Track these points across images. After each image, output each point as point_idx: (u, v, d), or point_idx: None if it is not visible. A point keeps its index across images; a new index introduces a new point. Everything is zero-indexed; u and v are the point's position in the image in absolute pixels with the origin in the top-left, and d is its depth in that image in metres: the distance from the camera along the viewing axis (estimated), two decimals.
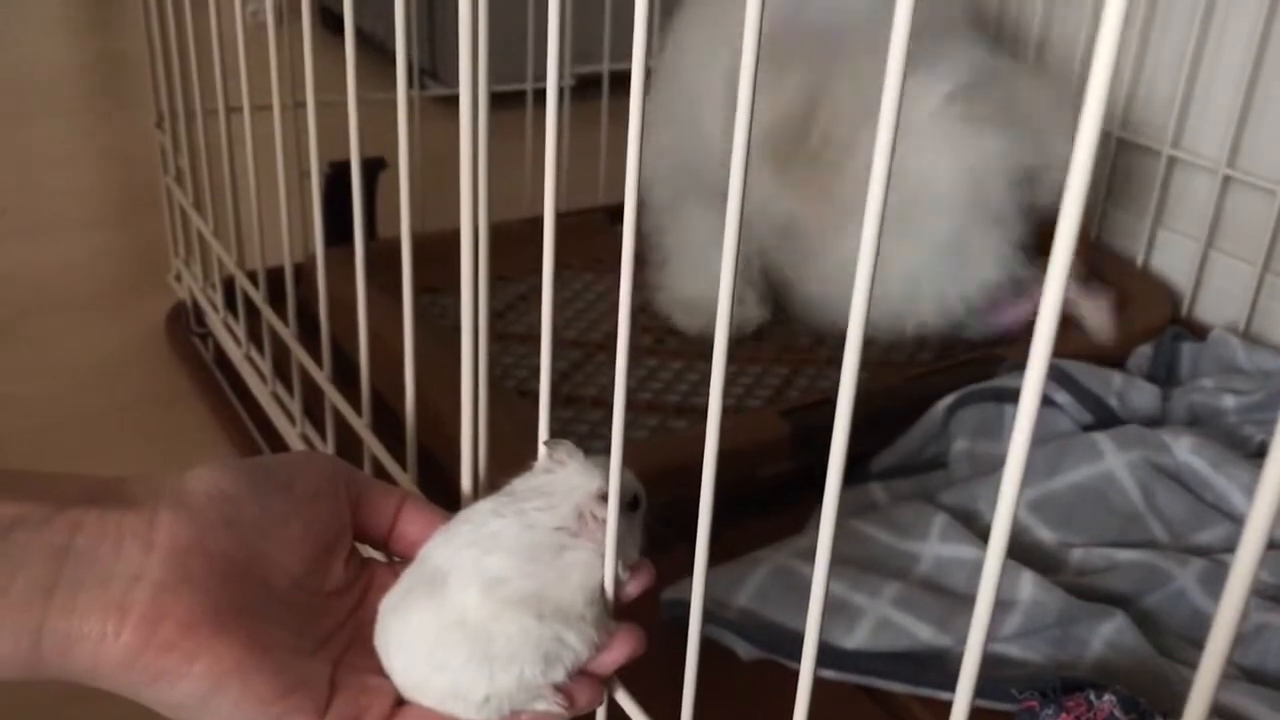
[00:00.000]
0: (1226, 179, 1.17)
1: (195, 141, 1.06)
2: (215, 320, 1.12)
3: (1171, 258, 1.24)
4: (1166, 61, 1.22)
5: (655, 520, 0.51)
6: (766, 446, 0.90)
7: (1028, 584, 0.76)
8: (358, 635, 0.49)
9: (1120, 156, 1.28)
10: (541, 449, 0.51)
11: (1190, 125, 1.21)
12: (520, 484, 0.50)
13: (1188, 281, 1.21)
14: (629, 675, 0.51)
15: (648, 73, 0.40)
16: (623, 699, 0.51)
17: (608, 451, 0.46)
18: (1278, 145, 1.14)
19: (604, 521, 0.47)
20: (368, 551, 0.53)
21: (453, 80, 1.75)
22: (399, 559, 0.53)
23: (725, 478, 0.42)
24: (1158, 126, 1.23)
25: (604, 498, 0.47)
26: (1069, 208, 0.26)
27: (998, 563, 0.31)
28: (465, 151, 0.52)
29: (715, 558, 0.44)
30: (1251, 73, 1.13)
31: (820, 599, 0.38)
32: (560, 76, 0.45)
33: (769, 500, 0.89)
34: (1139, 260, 1.26)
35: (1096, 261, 1.19)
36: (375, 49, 1.95)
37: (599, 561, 0.48)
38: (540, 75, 1.35)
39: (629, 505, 0.48)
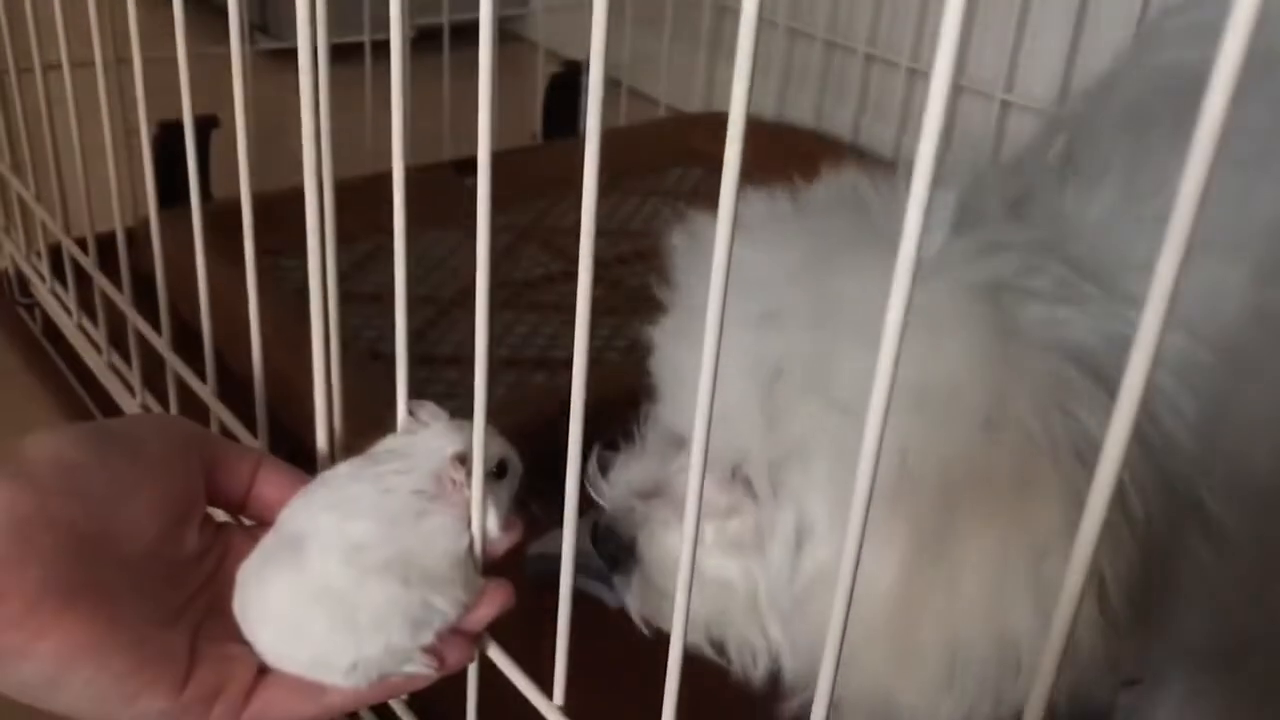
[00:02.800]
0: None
1: (10, 101, 1.00)
2: (42, 290, 1.06)
3: None
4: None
5: (524, 492, 0.51)
6: (630, 396, 0.90)
7: None
8: (216, 603, 0.48)
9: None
10: (402, 410, 0.50)
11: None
12: (380, 446, 0.49)
13: None
14: (499, 629, 0.51)
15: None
16: (495, 654, 0.51)
17: (465, 411, 0.46)
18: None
19: (463, 485, 0.47)
20: (221, 516, 0.52)
21: (284, 34, 1.70)
22: (255, 523, 0.51)
23: (590, 430, 0.42)
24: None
25: (462, 460, 0.47)
26: (921, 165, 0.26)
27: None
28: (306, 107, 0.50)
29: (581, 510, 0.44)
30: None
31: (691, 542, 0.38)
32: (402, 27, 0.44)
33: None
34: None
35: None
36: (201, 2, 1.87)
37: (461, 526, 0.47)
38: (378, 26, 1.32)
39: (494, 472, 0.48)
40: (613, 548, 0.54)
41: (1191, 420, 0.45)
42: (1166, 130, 0.56)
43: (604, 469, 0.55)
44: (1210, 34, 0.23)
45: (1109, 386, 0.44)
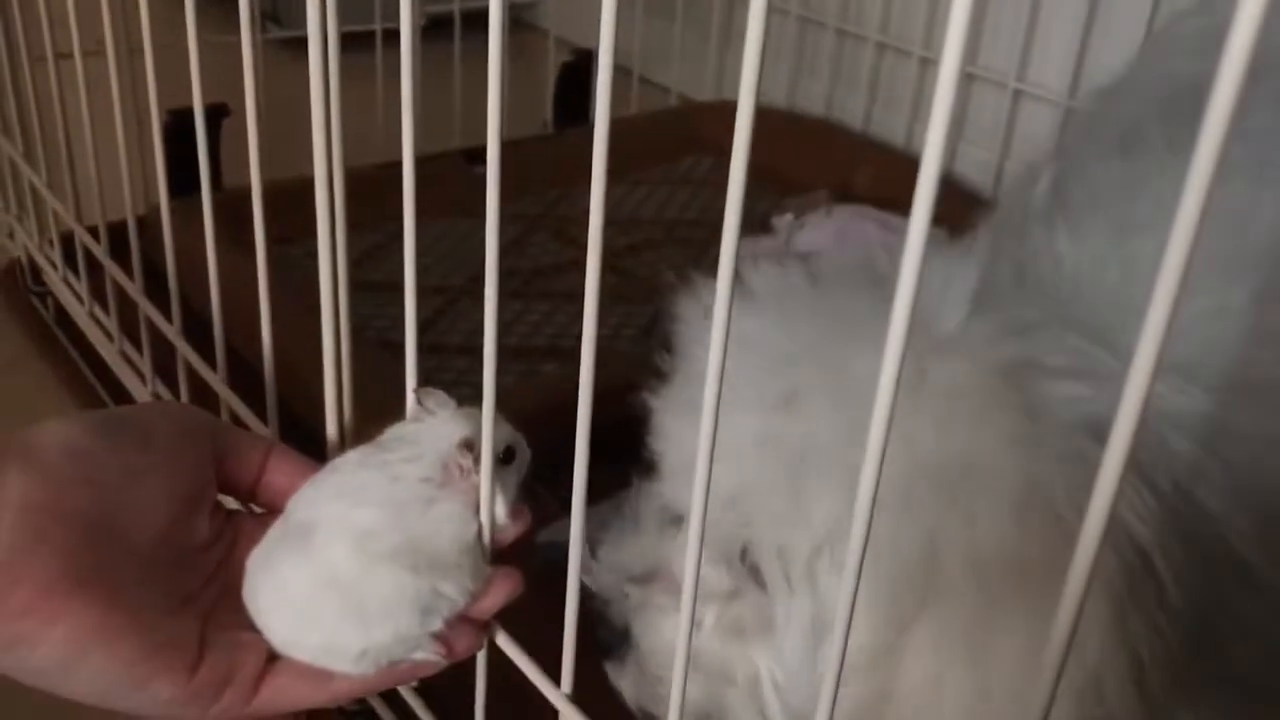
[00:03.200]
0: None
1: (23, 90, 1.00)
2: (54, 278, 1.07)
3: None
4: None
5: (531, 479, 0.50)
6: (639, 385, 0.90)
7: None
8: (226, 590, 0.48)
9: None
10: (410, 398, 0.50)
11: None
12: (387, 434, 0.49)
13: None
14: (508, 618, 0.51)
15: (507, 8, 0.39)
16: (504, 642, 0.51)
17: (474, 399, 0.46)
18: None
19: (470, 471, 0.47)
20: (232, 503, 0.52)
21: (294, 23, 1.70)
22: (266, 510, 0.51)
23: (598, 419, 0.42)
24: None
25: (469, 447, 0.47)
26: (931, 150, 0.26)
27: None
28: (316, 95, 0.50)
29: (589, 499, 0.44)
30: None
31: (698, 533, 0.38)
32: (413, 16, 0.44)
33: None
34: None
35: None
36: None
37: (469, 513, 0.47)
38: (389, 15, 1.31)
39: (502, 458, 0.48)
40: (606, 634, 0.51)
41: (1219, 484, 0.44)
42: (1159, 155, 0.54)
43: (594, 548, 0.52)
44: (1218, 41, 0.21)
45: (1133, 466, 0.43)
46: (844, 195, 1.29)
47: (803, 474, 0.45)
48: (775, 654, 0.47)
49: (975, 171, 1.33)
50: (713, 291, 0.51)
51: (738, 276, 0.49)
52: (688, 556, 0.37)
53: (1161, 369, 0.24)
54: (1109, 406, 0.44)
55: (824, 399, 0.45)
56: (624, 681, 0.51)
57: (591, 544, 0.49)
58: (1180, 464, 0.44)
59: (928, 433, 0.42)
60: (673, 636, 0.48)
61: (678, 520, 0.51)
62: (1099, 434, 0.43)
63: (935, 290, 0.46)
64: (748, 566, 0.48)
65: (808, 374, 0.45)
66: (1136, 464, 0.43)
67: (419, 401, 0.50)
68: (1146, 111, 0.62)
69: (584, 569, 0.50)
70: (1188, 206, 0.22)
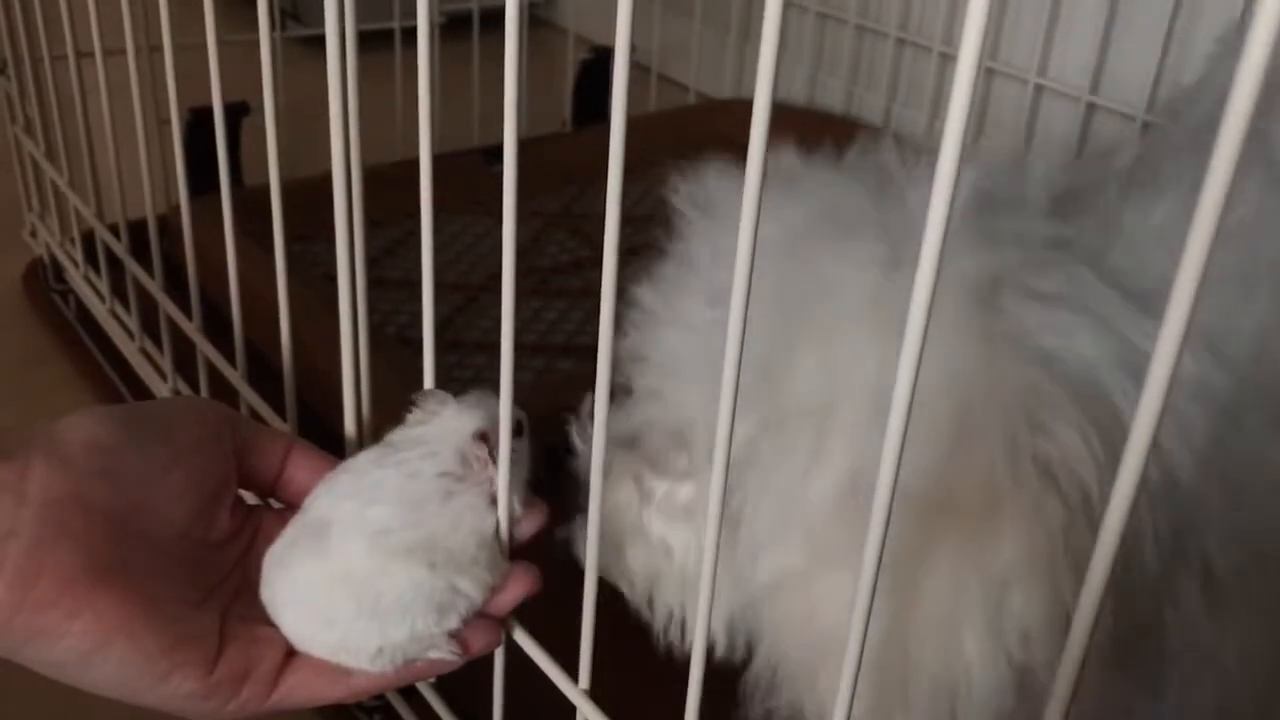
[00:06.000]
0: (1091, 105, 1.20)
1: (44, 89, 1.01)
2: (76, 276, 1.07)
3: None
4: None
5: (541, 463, 0.50)
6: None
7: None
8: (246, 584, 0.48)
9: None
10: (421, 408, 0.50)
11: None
12: (398, 435, 0.49)
13: None
14: (526, 614, 0.51)
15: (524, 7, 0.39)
16: (521, 638, 0.51)
17: (495, 394, 0.46)
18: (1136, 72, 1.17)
19: (487, 461, 0.47)
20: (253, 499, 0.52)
21: (314, 21, 1.70)
22: (286, 506, 0.52)
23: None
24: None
25: (483, 438, 0.47)
26: (948, 145, 0.26)
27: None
28: (334, 92, 0.51)
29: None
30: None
31: (715, 529, 0.38)
32: (431, 14, 0.44)
33: None
34: None
35: None
36: None
37: (487, 504, 0.47)
38: (408, 14, 1.32)
39: (513, 433, 0.48)
40: (571, 488, 0.51)
41: (1199, 448, 0.42)
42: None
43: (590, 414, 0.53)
44: None
45: (1101, 401, 0.41)
46: None
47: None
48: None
49: None
50: (714, 176, 0.52)
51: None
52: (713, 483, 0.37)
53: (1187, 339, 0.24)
54: (1090, 341, 0.42)
55: (764, 304, 0.44)
56: (578, 538, 0.51)
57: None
58: (1169, 421, 0.43)
59: (882, 349, 0.40)
60: (627, 503, 0.49)
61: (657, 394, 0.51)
62: (1068, 366, 0.42)
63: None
64: (703, 453, 0.47)
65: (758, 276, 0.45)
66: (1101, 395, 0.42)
67: (419, 405, 0.49)
68: (1221, 108, 0.61)
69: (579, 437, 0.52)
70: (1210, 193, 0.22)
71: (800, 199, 0.49)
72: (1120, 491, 0.26)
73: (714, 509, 0.37)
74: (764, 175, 0.31)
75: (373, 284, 0.55)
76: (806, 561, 0.44)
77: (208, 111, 0.67)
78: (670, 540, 0.49)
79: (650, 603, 0.51)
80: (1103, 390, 0.42)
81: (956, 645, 0.41)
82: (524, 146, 0.41)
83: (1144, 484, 0.26)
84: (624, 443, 0.52)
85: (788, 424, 0.44)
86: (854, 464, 0.42)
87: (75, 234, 1.07)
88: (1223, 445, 0.43)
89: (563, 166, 1.36)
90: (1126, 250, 0.48)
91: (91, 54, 0.84)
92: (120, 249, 0.90)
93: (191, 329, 0.78)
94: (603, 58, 1.53)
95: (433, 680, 0.61)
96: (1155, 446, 0.25)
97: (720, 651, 0.49)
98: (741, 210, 0.31)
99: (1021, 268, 0.44)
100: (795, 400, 0.43)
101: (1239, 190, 0.22)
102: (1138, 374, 0.42)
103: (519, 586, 0.49)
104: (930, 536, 0.41)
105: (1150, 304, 0.44)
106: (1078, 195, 0.51)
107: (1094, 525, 0.40)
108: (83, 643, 0.41)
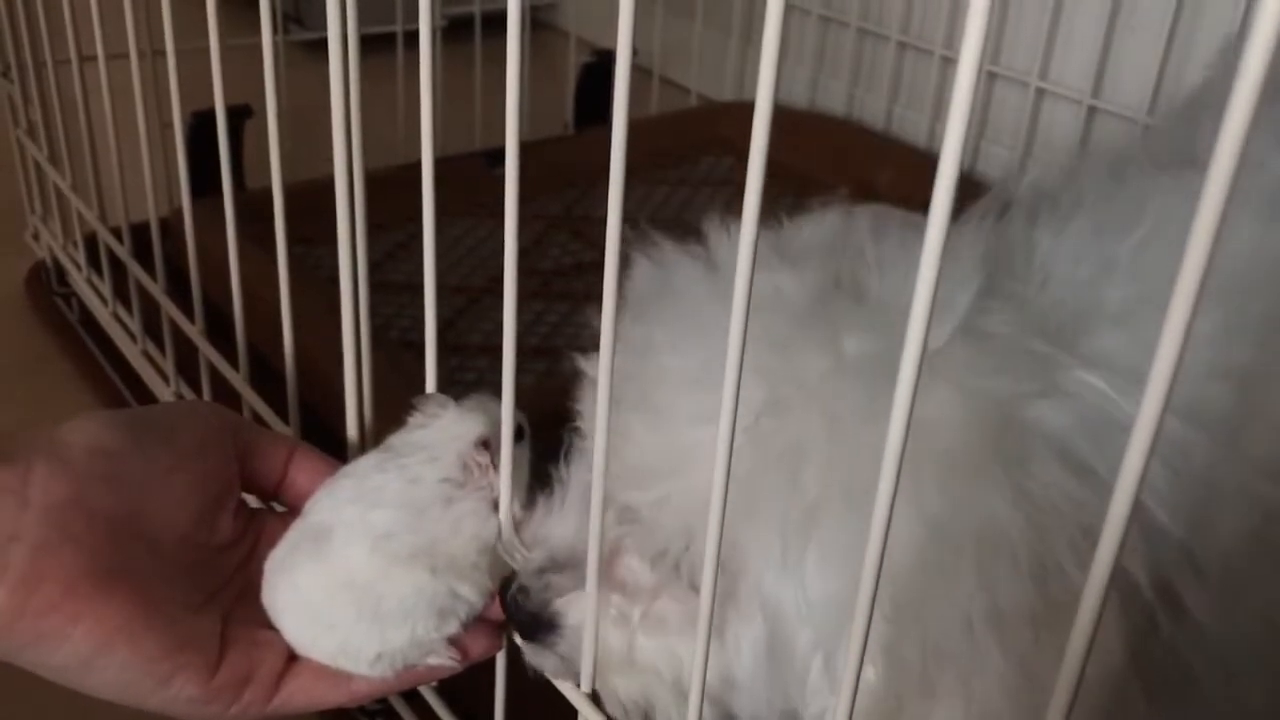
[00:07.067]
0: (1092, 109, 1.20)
1: (47, 92, 1.01)
2: (78, 279, 1.07)
3: None
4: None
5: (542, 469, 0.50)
6: None
7: None
8: (248, 588, 0.48)
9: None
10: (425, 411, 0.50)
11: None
12: (398, 439, 0.49)
13: None
14: None
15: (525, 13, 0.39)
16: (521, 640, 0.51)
17: (497, 397, 0.46)
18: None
19: (489, 468, 0.47)
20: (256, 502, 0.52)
21: (316, 24, 1.71)
22: (288, 509, 0.52)
23: None
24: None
25: (486, 444, 0.47)
26: (949, 148, 0.26)
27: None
28: (336, 95, 0.51)
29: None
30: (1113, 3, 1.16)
31: (718, 526, 0.38)
32: (433, 17, 0.44)
33: None
34: None
35: None
36: None
37: (489, 509, 0.47)
38: (410, 17, 1.32)
39: (514, 437, 0.48)
40: (523, 617, 0.48)
41: (1164, 495, 0.42)
42: (1139, 163, 0.52)
43: (518, 526, 0.49)
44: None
45: (1089, 478, 0.41)
46: (865, 195, 1.29)
47: (754, 494, 0.42)
48: (725, 666, 0.46)
49: (997, 170, 1.33)
50: (671, 254, 0.50)
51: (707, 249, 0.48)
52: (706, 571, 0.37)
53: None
54: (1060, 423, 0.42)
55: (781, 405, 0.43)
56: (545, 662, 0.49)
57: (515, 522, 0.48)
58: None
59: (929, 489, 0.40)
60: (612, 640, 0.47)
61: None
62: (1072, 459, 0.42)
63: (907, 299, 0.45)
64: (670, 566, 0.46)
65: (771, 384, 0.42)
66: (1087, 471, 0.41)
67: (420, 409, 0.49)
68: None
69: (508, 548, 0.49)
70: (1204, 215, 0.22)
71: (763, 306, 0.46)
72: (1122, 488, 0.26)
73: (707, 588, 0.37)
74: (761, 177, 0.31)
75: (375, 287, 0.55)
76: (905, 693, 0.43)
77: (210, 114, 0.67)
78: (656, 659, 0.47)
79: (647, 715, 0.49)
80: (1086, 465, 0.42)
81: None
82: (526, 149, 0.41)
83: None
84: (563, 561, 0.49)
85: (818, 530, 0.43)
86: (966, 609, 0.41)
87: (78, 237, 1.07)
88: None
89: (564, 169, 1.36)
90: (1041, 289, 0.47)
91: (94, 57, 0.84)
92: (123, 252, 0.90)
93: (194, 331, 0.78)
94: (604, 60, 1.53)
95: (434, 683, 0.61)
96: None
97: None
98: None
99: (1013, 376, 0.43)
100: (815, 494, 0.42)
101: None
102: (1097, 435, 0.42)
103: None
104: (1029, 663, 0.41)
105: (1078, 348, 0.43)
106: (998, 243, 0.50)
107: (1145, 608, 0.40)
108: (84, 647, 0.41)
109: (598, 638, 0.46)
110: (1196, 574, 0.43)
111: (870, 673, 0.40)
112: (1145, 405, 0.24)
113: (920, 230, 0.26)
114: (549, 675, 0.49)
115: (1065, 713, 0.29)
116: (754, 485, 0.41)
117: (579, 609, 0.47)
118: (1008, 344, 0.44)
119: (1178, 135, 0.59)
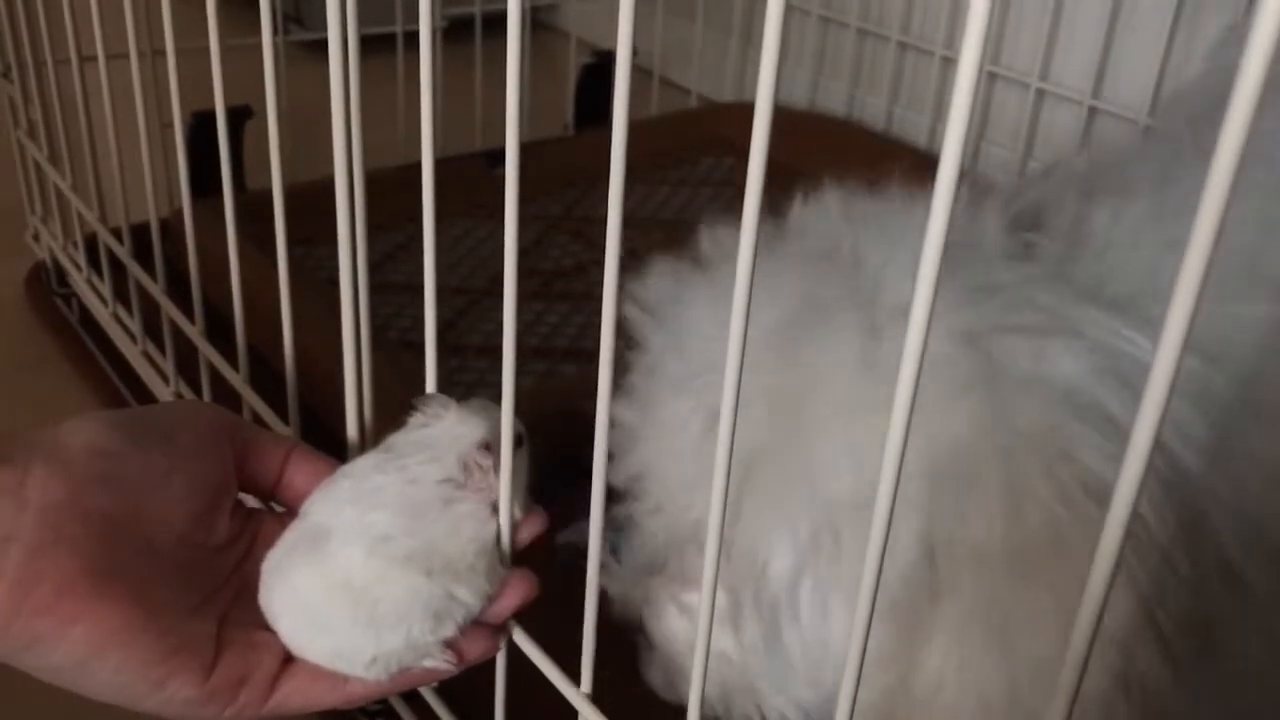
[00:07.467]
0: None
1: (48, 93, 1.01)
2: (78, 279, 1.07)
3: None
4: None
5: (540, 472, 0.50)
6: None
7: None
8: (244, 589, 0.48)
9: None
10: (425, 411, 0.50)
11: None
12: (399, 439, 0.49)
13: None
14: (527, 617, 0.51)
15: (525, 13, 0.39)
16: (522, 641, 0.51)
17: (496, 400, 0.46)
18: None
19: (489, 470, 0.47)
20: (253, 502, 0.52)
21: (317, 25, 1.70)
22: (286, 510, 0.52)
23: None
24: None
25: (487, 447, 0.47)
26: (950, 148, 0.26)
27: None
28: (336, 96, 0.51)
29: (608, 500, 0.44)
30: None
31: (717, 533, 0.38)
32: (433, 18, 0.44)
33: None
34: None
35: None
36: None
37: (488, 512, 0.47)
38: (410, 18, 1.32)
39: (513, 443, 0.48)
40: (635, 634, 0.51)
41: (1204, 447, 0.42)
42: (1194, 148, 0.53)
43: (614, 548, 0.52)
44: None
45: (1105, 421, 0.42)
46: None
47: (755, 482, 0.44)
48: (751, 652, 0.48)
49: (998, 171, 1.33)
50: (663, 276, 0.51)
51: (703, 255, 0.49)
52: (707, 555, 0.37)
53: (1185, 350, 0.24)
54: (1074, 365, 0.43)
55: (772, 401, 0.44)
56: (653, 675, 0.51)
57: (612, 546, 0.49)
58: (1170, 424, 0.43)
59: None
60: (678, 627, 0.48)
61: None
62: (1064, 393, 0.42)
63: (882, 259, 0.46)
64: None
65: (756, 374, 0.44)
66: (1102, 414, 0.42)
67: (420, 409, 0.49)
68: (1204, 108, 0.61)
69: (604, 573, 0.50)
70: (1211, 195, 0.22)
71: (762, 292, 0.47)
72: (1124, 489, 0.26)
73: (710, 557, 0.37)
74: (763, 174, 0.31)
75: (375, 287, 0.55)
76: (894, 640, 0.43)
77: (210, 115, 0.67)
78: (726, 649, 0.48)
79: (729, 713, 0.51)
80: (1100, 408, 0.42)
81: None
82: (526, 150, 0.41)
83: (1152, 472, 0.26)
84: (650, 570, 0.51)
85: (839, 521, 0.43)
86: (927, 538, 0.42)
87: (78, 237, 1.07)
88: (1226, 442, 0.43)
89: (565, 170, 1.36)
90: (1096, 258, 0.48)
91: (94, 58, 0.84)
92: (123, 252, 0.90)
93: (194, 332, 0.78)
94: (604, 61, 1.53)
95: (435, 684, 0.61)
96: (1159, 445, 0.25)
97: None
98: (691, 308, 0.31)
99: (998, 312, 0.44)
100: (837, 495, 0.43)
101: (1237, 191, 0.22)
102: (1127, 380, 0.43)
103: (516, 594, 0.48)
104: (1010, 591, 0.42)
105: (1125, 309, 0.44)
106: (1040, 209, 0.51)
107: (1151, 539, 0.41)
108: (80, 648, 0.41)
109: (673, 636, 0.49)
110: (1242, 540, 0.44)
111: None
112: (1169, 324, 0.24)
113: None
114: (657, 687, 0.51)
115: (1080, 665, 0.29)
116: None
117: (662, 623, 0.50)
118: (1012, 291, 0.45)
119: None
